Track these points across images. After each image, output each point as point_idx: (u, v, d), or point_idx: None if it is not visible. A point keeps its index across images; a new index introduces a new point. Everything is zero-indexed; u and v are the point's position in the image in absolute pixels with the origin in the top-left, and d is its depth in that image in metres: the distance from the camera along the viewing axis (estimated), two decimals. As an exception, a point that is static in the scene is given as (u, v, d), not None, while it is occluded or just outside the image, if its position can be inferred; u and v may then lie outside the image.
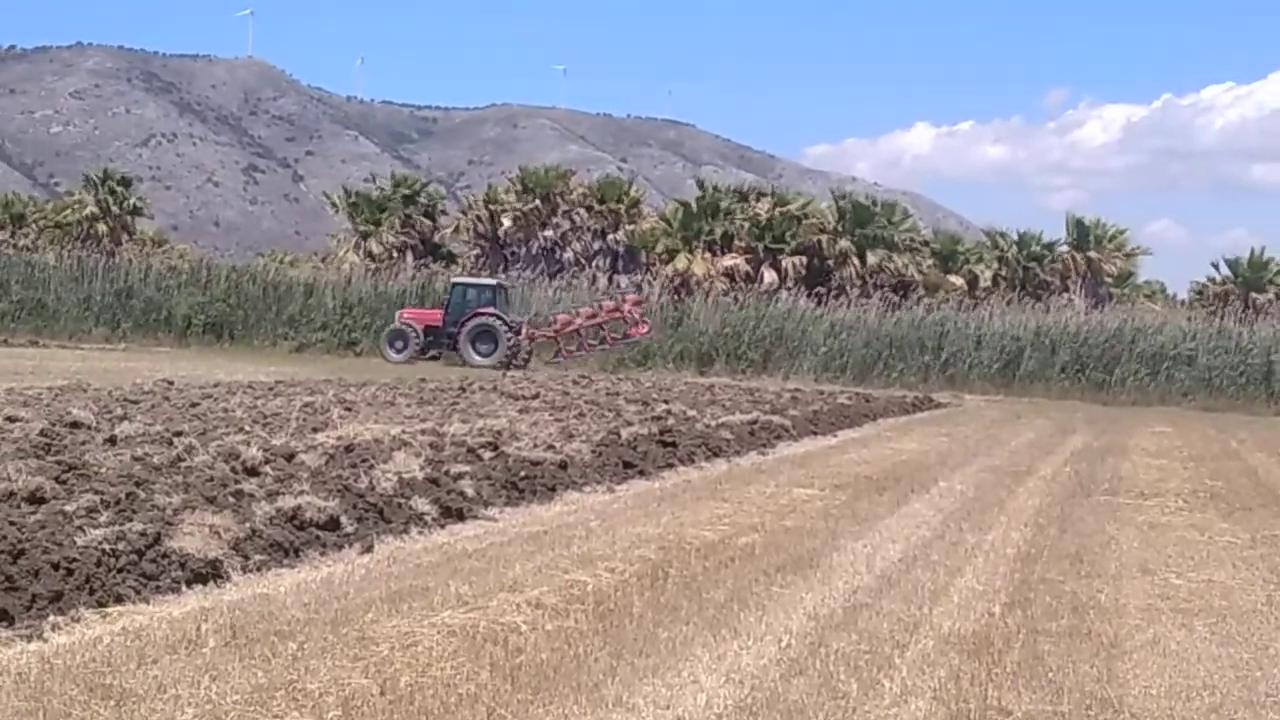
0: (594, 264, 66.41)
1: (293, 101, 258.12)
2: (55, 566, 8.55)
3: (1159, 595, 10.63)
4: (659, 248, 63.92)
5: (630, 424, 20.92)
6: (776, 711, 6.91)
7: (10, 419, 15.56)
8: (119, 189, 69.62)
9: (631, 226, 66.82)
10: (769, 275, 61.16)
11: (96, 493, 10.46)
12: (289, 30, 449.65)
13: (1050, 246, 66.59)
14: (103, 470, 11.73)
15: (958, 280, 65.41)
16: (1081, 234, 66.13)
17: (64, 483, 10.91)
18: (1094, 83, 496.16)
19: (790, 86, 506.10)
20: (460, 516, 12.71)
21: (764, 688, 7.30)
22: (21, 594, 8.16)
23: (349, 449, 14.54)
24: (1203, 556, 12.69)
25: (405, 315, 49.54)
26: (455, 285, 51.04)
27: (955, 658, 8.17)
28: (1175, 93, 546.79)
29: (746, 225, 63.27)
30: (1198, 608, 10.19)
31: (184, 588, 9.02)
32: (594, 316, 51.08)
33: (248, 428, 16.68)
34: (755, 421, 24.09)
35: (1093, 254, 65.30)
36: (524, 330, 48.53)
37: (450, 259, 67.12)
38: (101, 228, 67.01)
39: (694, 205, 66.00)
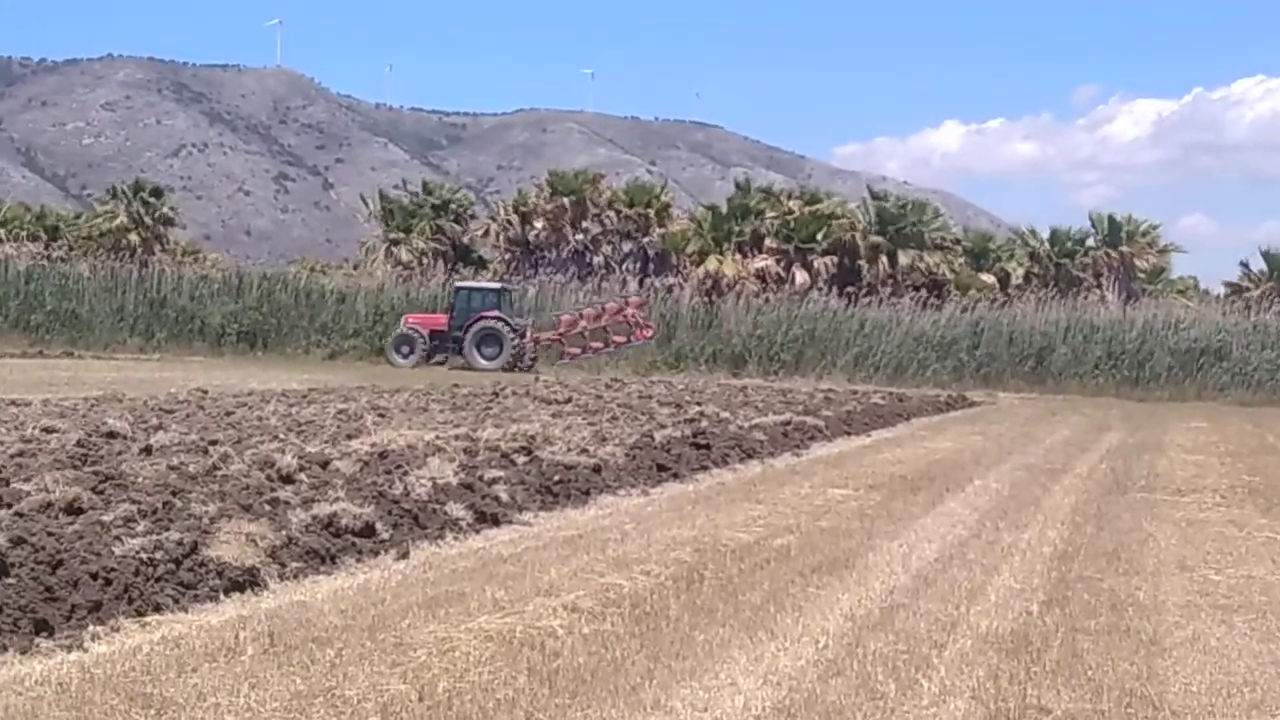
0: (624, 267, 66.43)
1: (322, 110, 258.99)
2: (94, 576, 8.59)
3: (1198, 592, 10.57)
4: (689, 250, 63.91)
5: (663, 426, 20.91)
6: (815, 713, 6.90)
7: (47, 430, 15.65)
8: (151, 199, 69.99)
9: (662, 229, 66.81)
10: (800, 276, 61.07)
11: (133, 502, 10.51)
12: (317, 39, 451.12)
13: (1082, 243, 66.30)
14: (139, 480, 11.79)
15: (989, 278, 65.17)
16: (1113, 230, 65.83)
17: (101, 493, 10.95)
18: (1124, 78, 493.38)
19: (819, 86, 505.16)
20: (495, 521, 12.72)
21: (802, 689, 7.29)
22: (61, 604, 8.21)
23: (383, 455, 14.57)
24: (1241, 552, 12.62)
25: (411, 320, 49.76)
26: (459, 289, 51.26)
27: (994, 657, 8.14)
28: (1206, 87, 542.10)
29: (777, 226, 63.21)
30: (1237, 604, 10.12)
31: (222, 596, 9.05)
32: (597, 318, 51.27)
33: (282, 435, 16.74)
34: (788, 422, 24.06)
35: (1125, 249, 65.01)
36: (528, 333, 48.68)
37: (481, 264, 67.23)
38: (134, 238, 67.31)
39: (724, 207, 65.99)
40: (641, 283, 63.05)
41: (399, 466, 13.80)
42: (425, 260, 64.73)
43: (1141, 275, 66.12)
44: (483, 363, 46.73)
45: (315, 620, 8.36)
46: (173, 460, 13.19)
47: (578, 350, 50.58)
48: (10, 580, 8.17)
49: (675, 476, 17.06)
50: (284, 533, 10.41)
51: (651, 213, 67.06)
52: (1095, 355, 51.15)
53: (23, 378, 30.57)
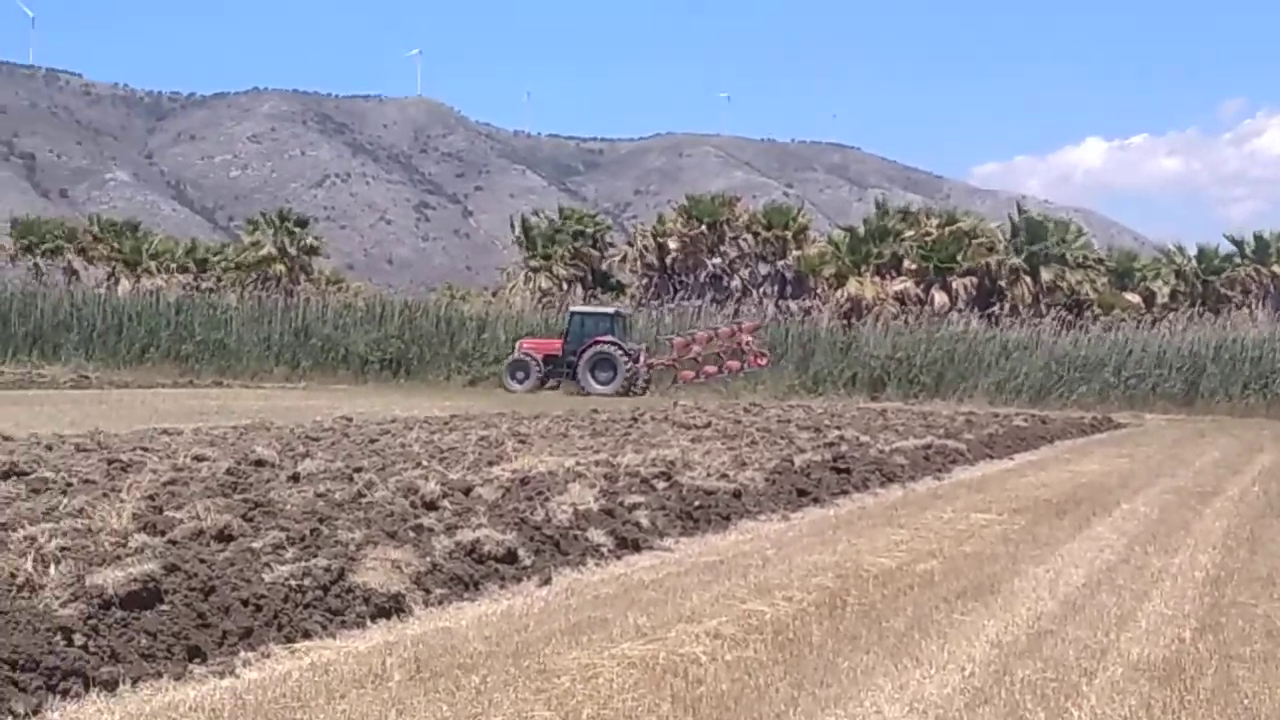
0: (761, 290, 66.34)
1: (461, 138, 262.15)
2: (245, 603, 8.75)
3: (1358, 618, 10.27)
4: (827, 272, 63.65)
5: (803, 451, 20.82)
6: (962, 742, 6.82)
7: (198, 458, 15.98)
8: (296, 230, 71.32)
9: (799, 252, 66.64)
10: (940, 297, 60.53)
11: (282, 529, 10.68)
12: (457, 68, 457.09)
13: (1229, 260, 64.94)
14: (287, 507, 11.98)
15: (1134, 297, 64.12)
16: (1261, 247, 64.42)
17: (251, 520, 11.15)
18: (1271, 90, 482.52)
19: (957, 105, 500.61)
20: (636, 547, 12.75)
21: (948, 718, 7.20)
22: (213, 630, 8.37)
23: (524, 481, 14.66)
24: (1403, 577, 12.24)
25: (525, 345, 50.07)
26: (574, 314, 51.50)
27: (1145, 685, 7.98)
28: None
29: (915, 247, 62.75)
30: (1399, 631, 9.82)
31: (368, 622, 9.17)
32: (709, 341, 51.21)
33: (425, 462, 16.92)
34: (929, 446, 23.84)
35: (1276, 268, 63.55)
36: (641, 357, 48.74)
37: (619, 289, 67.56)
38: (280, 268, 68.61)
39: (862, 229, 65.67)
40: (778, 305, 62.90)
41: (540, 493, 13.87)
42: (564, 286, 65.18)
43: (1292, 292, 64.63)
44: (597, 387, 46.94)
45: (460, 647, 8.43)
46: (319, 487, 13.39)
47: (691, 374, 50.57)
48: (164, 607, 8.35)
49: (815, 501, 16.97)
50: (428, 559, 10.52)
51: (789, 235, 66.94)
52: (1244, 375, 49.99)
53: (174, 407, 31.27)
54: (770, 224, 67.77)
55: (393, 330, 55.45)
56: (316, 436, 21.15)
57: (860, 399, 48.32)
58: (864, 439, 23.85)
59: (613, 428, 25.93)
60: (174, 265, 71.09)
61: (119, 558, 9.12)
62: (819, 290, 64.30)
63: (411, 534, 11.23)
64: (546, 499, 13.42)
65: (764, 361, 51.08)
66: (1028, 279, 62.32)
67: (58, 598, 8.02)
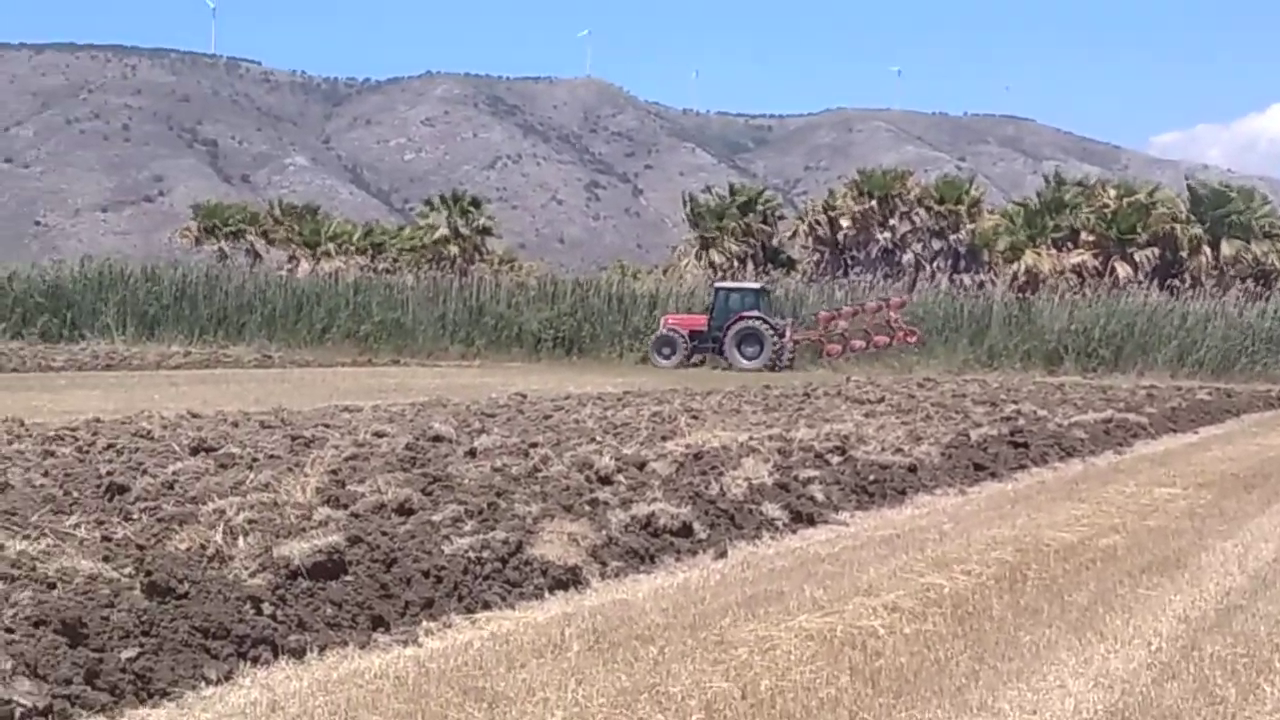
0: (934, 265, 65.57)
1: (631, 117, 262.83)
2: (426, 574, 8.89)
3: None
4: (1001, 246, 62.68)
5: (979, 425, 20.57)
6: (1150, 717, 6.68)
7: (378, 434, 16.27)
8: (470, 210, 72.13)
9: (972, 226, 65.70)
10: (1121, 269, 59.27)
11: (460, 503, 10.83)
12: (625, 48, 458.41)
13: None
14: (465, 481, 12.14)
15: (1324, 267, 62.09)
16: None
17: (430, 494, 11.32)
18: None
19: (1135, 74, 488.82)
20: (811, 521, 12.71)
21: (1135, 693, 7.06)
22: (396, 601, 8.52)
23: (698, 456, 14.68)
24: None
25: (670, 321, 50.06)
26: (719, 290, 51.46)
27: (1341, 662, 7.74)
28: None
29: (1092, 219, 61.50)
30: None
31: (546, 594, 9.26)
32: (855, 315, 50.74)
33: (599, 438, 17.04)
34: (1110, 420, 23.40)
35: None
36: (787, 332, 48.48)
37: (789, 265, 67.24)
38: (454, 249, 69.46)
39: (1036, 201, 64.54)
40: (951, 280, 62.13)
41: (714, 467, 13.89)
42: (734, 263, 65.06)
43: None
44: (743, 362, 46.88)
45: (637, 618, 8.48)
46: (496, 462, 13.55)
47: (838, 348, 50.22)
48: (348, 578, 8.52)
49: (992, 475, 16.79)
50: (604, 532, 10.60)
51: (961, 209, 66.03)
52: None
53: (354, 385, 31.88)
54: (943, 198, 66.90)
55: (565, 308, 55.83)
56: (492, 413, 21.42)
57: (1037, 373, 47.54)
58: (1041, 413, 23.49)
59: (785, 403, 25.87)
60: (352, 247, 72.38)
61: (304, 530, 9.33)
62: (993, 264, 63.36)
63: (587, 508, 11.32)
64: (720, 473, 13.43)
65: (913, 338, 50.55)
66: (1209, 250, 60.72)
67: (246, 568, 8.23)
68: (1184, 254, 61.08)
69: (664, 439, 16.81)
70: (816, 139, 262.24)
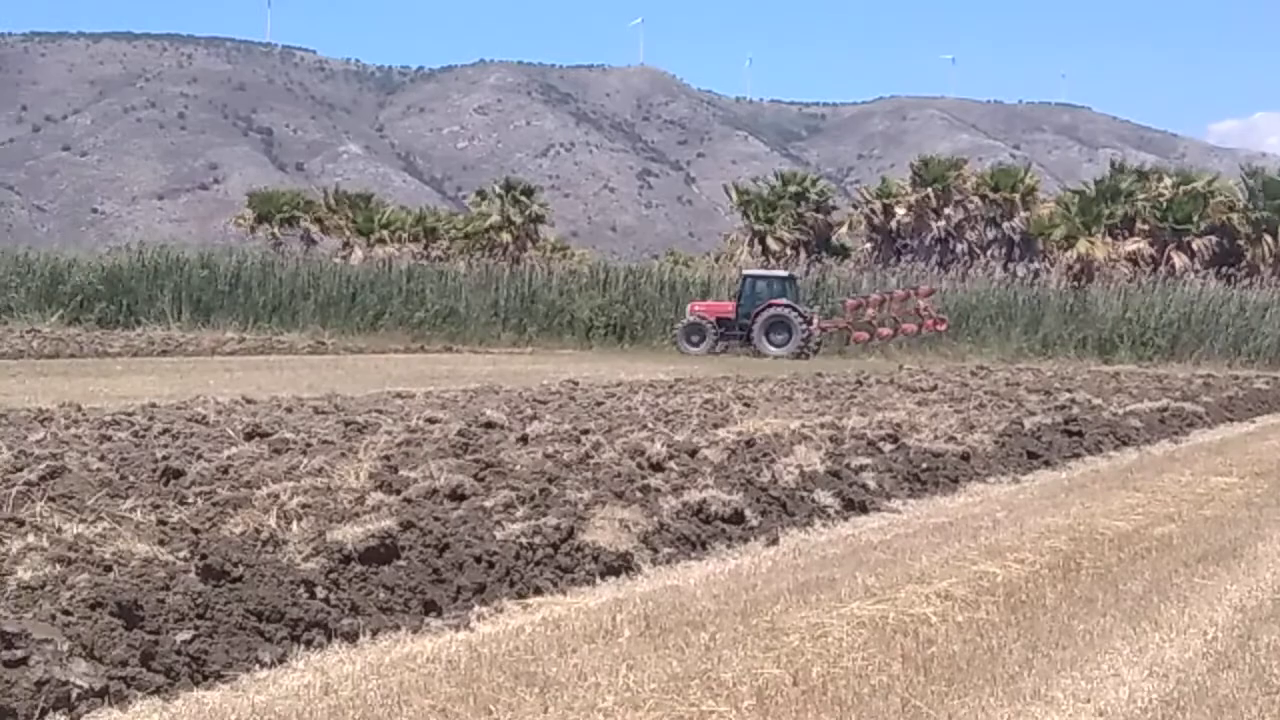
0: (989, 253, 65.21)
1: (684, 105, 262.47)
2: (478, 560, 8.92)
3: None
4: (1056, 234, 62.30)
5: (1033, 414, 20.44)
6: (1205, 706, 6.62)
7: (431, 420, 16.33)
8: (522, 198, 72.27)
9: (1027, 214, 65.31)
10: (1178, 258, 58.78)
11: (512, 489, 10.86)
12: (678, 35, 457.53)
13: None
14: (517, 467, 12.18)
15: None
16: None
17: (482, 480, 11.35)
18: None
19: (1193, 61, 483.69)
20: (863, 509, 12.68)
21: (1190, 681, 7.01)
22: (448, 585, 8.55)
23: (749, 444, 14.66)
24: None
25: (697, 308, 50.03)
26: (746, 277, 51.49)
27: (1400, 653, 7.65)
28: None
29: (1148, 207, 61.02)
30: None
31: (597, 580, 9.28)
32: (882, 303, 50.63)
33: (650, 425, 17.05)
34: (1165, 409, 23.22)
35: None
36: (815, 320, 48.40)
37: (843, 253, 67.03)
38: (506, 236, 69.64)
39: (1092, 189, 64.10)
40: (1006, 268, 61.76)
41: (766, 455, 13.87)
42: (789, 251, 64.92)
43: None
44: (772, 350, 46.89)
45: (688, 604, 8.48)
46: (548, 449, 13.57)
47: (866, 335, 50.14)
48: (401, 562, 8.56)
49: (1046, 464, 16.71)
50: (655, 519, 10.60)
51: (1016, 197, 65.62)
52: None
53: (406, 371, 32.01)
54: (997, 186, 66.50)
55: (617, 296, 55.85)
56: (544, 399, 21.45)
57: (1091, 362, 47.20)
58: (1096, 402, 23.32)
59: (837, 391, 25.80)
60: (405, 234, 72.67)
61: (357, 515, 9.38)
62: (1048, 252, 62.97)
63: (639, 494, 11.33)
64: (772, 460, 13.40)
65: (943, 326, 50.37)
66: (1269, 238, 60.12)
67: (300, 552, 8.28)
68: (1242, 243, 60.51)
69: (715, 426, 16.81)
70: (870, 127, 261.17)
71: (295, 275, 57.42)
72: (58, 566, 7.47)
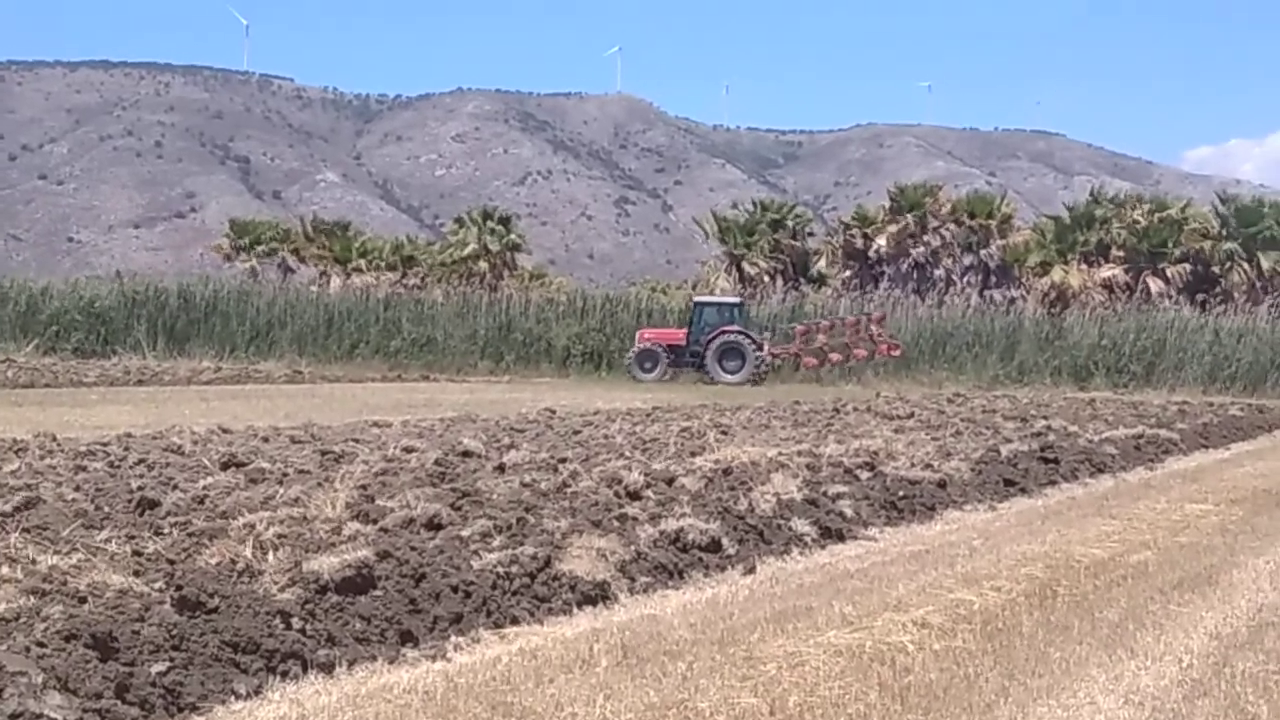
0: (965, 280, 65.39)
1: (661, 133, 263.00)
2: (454, 589, 8.91)
3: None
4: (1032, 261, 62.53)
5: (1009, 441, 20.51)
6: (1180, 734, 6.64)
7: (408, 449, 16.31)
8: (499, 227, 72.24)
9: (1003, 241, 65.56)
10: (1153, 284, 59.03)
11: (489, 518, 10.85)
12: (656, 64, 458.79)
13: None
14: (494, 496, 12.17)
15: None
16: None
17: (459, 509, 11.34)
18: None
19: (1166, 88, 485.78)
20: (840, 537, 12.70)
21: (1165, 710, 7.03)
22: (424, 615, 8.54)
23: (727, 472, 14.68)
24: None
25: (647, 335, 50.02)
26: (697, 304, 51.75)
27: (1374, 680, 7.69)
28: None
29: (1124, 234, 61.31)
30: None
31: (575, 609, 9.27)
32: (831, 329, 50.86)
33: (628, 453, 17.05)
34: (1141, 436, 23.30)
35: None
36: (765, 347, 48.56)
37: (820, 281, 67.15)
38: (484, 265, 69.59)
39: (1067, 217, 64.40)
40: (982, 295, 61.96)
41: (743, 483, 13.88)
42: (764, 278, 65.00)
43: None
44: (726, 377, 46.95)
45: (665, 633, 8.48)
46: (525, 477, 13.57)
47: (815, 361, 50.30)
48: (377, 592, 8.55)
49: (1023, 491, 16.75)
50: (633, 548, 10.60)
51: (992, 224, 65.86)
52: None
53: (384, 400, 31.96)
54: (974, 213, 66.73)
55: (594, 324, 55.86)
56: (521, 428, 21.44)
57: (1067, 389, 47.36)
58: (1072, 429, 23.40)
59: (814, 418, 25.84)
60: (382, 263, 72.53)
61: (333, 545, 9.36)
62: (1023, 279, 63.18)
63: (616, 523, 11.32)
64: (749, 489, 13.42)
65: (896, 352, 50.56)
66: (1244, 265, 60.43)
67: (276, 583, 8.26)
68: (1216, 269, 60.82)
69: (693, 454, 16.82)
70: (847, 154, 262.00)
71: (272, 304, 57.31)
72: (32, 598, 7.44)
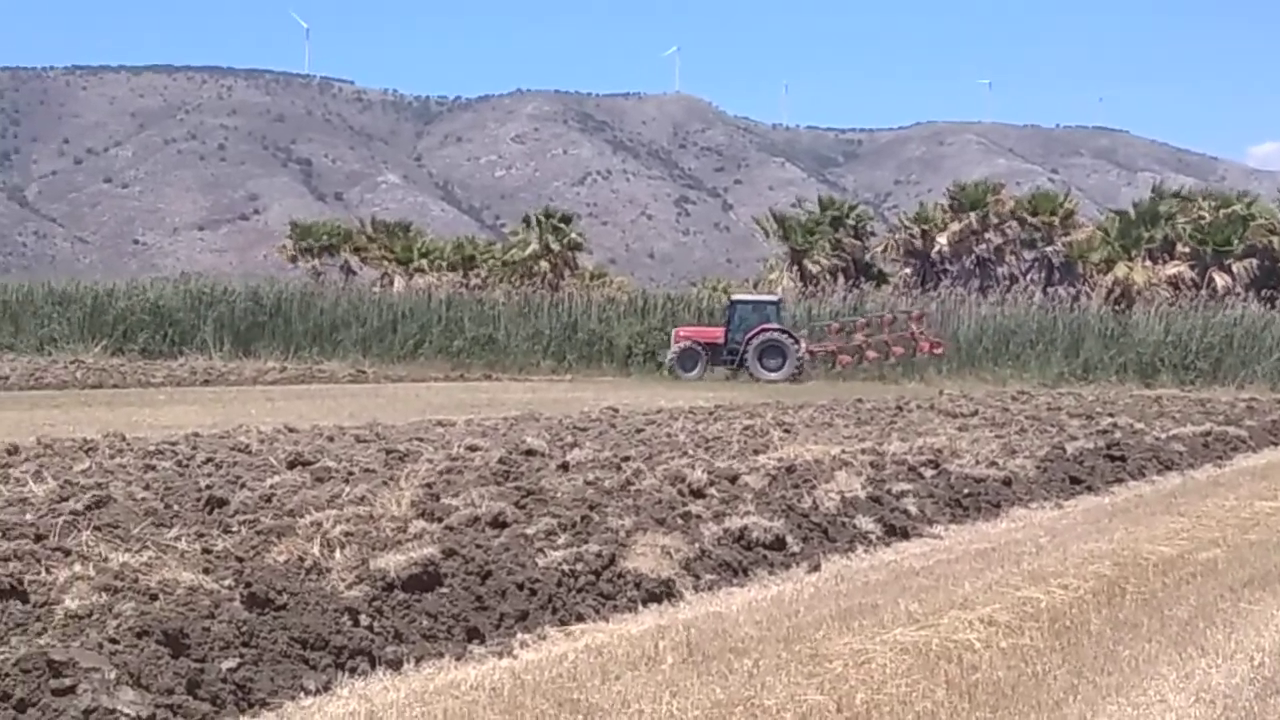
0: (1028, 277, 64.98)
1: (720, 132, 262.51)
2: (520, 587, 8.94)
3: None
4: (1095, 258, 62.06)
5: (1075, 439, 20.36)
6: (1253, 733, 6.58)
7: (471, 448, 16.37)
8: (560, 226, 72.39)
9: (1066, 238, 65.10)
10: (1219, 279, 58.45)
11: (554, 516, 10.87)
12: (714, 63, 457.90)
13: None
14: (558, 495, 12.19)
15: None
16: None
17: (523, 507, 11.37)
18: None
19: (1232, 83, 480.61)
20: (905, 534, 12.65)
21: (1238, 708, 6.97)
22: (490, 613, 8.58)
23: (790, 470, 14.64)
24: None
25: (684, 333, 49.91)
26: (734, 302, 51.70)
27: None
28: None
29: (1188, 230, 60.75)
30: None
31: (639, 606, 9.29)
32: (867, 326, 50.73)
33: (691, 451, 17.04)
34: (1209, 433, 23.07)
35: None
36: (802, 344, 48.44)
37: (880, 279, 66.88)
38: (545, 265, 69.73)
39: (1131, 213, 63.88)
40: (1045, 292, 61.52)
41: (806, 480, 13.85)
42: (826, 276, 64.82)
43: None
44: (767, 375, 46.81)
45: (731, 631, 8.47)
46: (588, 476, 13.59)
47: (849, 359, 50.24)
48: (444, 590, 8.59)
49: (1089, 489, 16.63)
50: (697, 545, 10.61)
51: (1055, 221, 65.42)
52: None
53: (447, 400, 32.07)
54: (1036, 210, 66.32)
55: (655, 323, 55.83)
56: (584, 427, 21.47)
57: (1133, 386, 46.90)
58: (1139, 426, 23.20)
59: (878, 416, 25.74)
60: (444, 263, 72.81)
61: (399, 543, 9.41)
62: (1087, 276, 62.70)
63: (680, 521, 11.33)
64: (813, 487, 13.39)
65: (939, 350, 50.30)
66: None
67: (344, 580, 8.32)
68: (1283, 264, 60.23)
69: (756, 452, 16.79)
70: (907, 152, 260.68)
71: (336, 305, 57.66)
72: (104, 595, 7.52)
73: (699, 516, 11.57)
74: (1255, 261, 59.72)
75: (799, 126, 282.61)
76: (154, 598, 7.59)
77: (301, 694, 7.05)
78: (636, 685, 7.19)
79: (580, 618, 8.91)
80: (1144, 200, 65.49)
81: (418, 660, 7.71)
